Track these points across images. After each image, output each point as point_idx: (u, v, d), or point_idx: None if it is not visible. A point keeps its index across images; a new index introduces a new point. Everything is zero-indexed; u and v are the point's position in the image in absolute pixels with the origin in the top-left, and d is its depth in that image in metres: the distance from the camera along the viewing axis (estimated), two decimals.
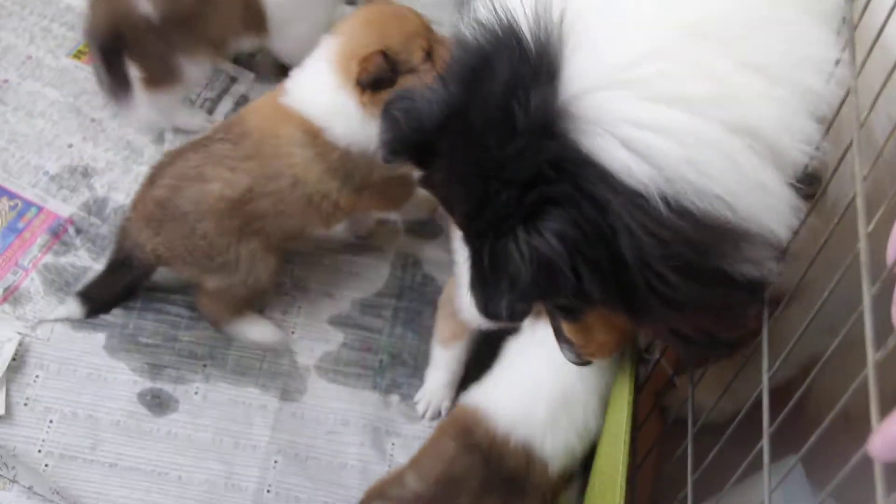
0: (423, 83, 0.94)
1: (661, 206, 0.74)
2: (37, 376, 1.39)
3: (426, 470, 1.20)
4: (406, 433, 1.42)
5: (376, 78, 1.27)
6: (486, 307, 0.85)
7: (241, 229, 1.34)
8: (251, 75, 1.75)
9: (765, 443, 0.78)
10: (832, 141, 0.79)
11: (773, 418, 0.80)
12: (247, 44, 1.64)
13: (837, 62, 0.79)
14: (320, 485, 1.35)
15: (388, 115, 0.90)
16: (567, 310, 0.97)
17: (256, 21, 1.57)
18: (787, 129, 0.78)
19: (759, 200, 0.77)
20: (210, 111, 1.70)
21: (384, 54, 1.27)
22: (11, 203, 1.54)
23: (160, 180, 1.35)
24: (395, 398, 1.44)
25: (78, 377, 1.39)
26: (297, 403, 1.42)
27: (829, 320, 0.74)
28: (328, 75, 1.30)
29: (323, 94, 1.31)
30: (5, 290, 1.45)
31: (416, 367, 1.47)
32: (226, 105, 1.71)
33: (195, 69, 1.57)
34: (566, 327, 1.03)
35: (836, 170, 0.78)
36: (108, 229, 1.53)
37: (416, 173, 0.93)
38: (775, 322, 0.86)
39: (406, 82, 1.28)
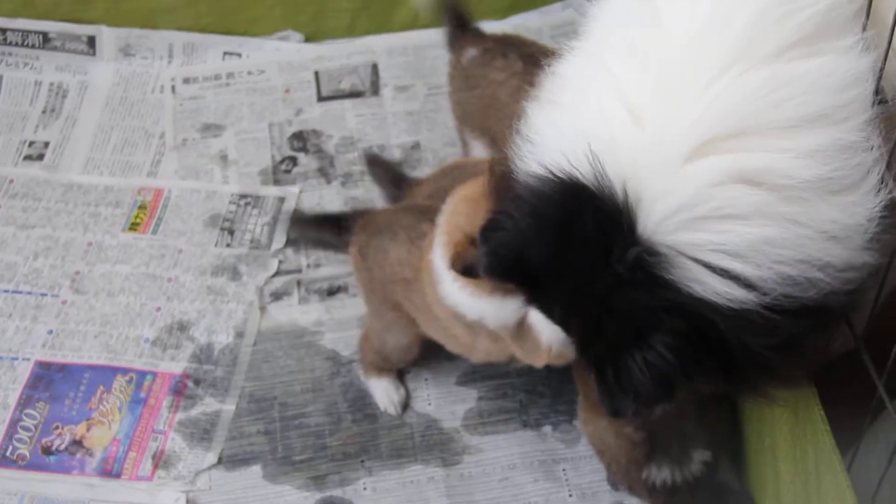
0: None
1: (762, 313, 0.85)
2: None
3: None
4: (571, 456, 1.45)
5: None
6: (616, 413, 0.95)
7: (396, 299, 1.40)
8: (295, 190, 1.82)
9: None
10: None
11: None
12: None
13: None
14: None
15: (486, 241, 0.99)
16: None
17: None
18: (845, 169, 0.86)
19: (834, 246, 0.86)
20: (270, 235, 1.76)
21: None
22: (126, 378, 1.59)
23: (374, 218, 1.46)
24: (547, 429, 1.48)
25: None
26: (461, 465, 1.45)
27: None
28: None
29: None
30: (153, 457, 1.48)
31: (553, 394, 1.51)
32: (283, 223, 1.77)
33: None
34: None
35: None
36: (223, 370, 1.58)
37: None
38: None
39: None
